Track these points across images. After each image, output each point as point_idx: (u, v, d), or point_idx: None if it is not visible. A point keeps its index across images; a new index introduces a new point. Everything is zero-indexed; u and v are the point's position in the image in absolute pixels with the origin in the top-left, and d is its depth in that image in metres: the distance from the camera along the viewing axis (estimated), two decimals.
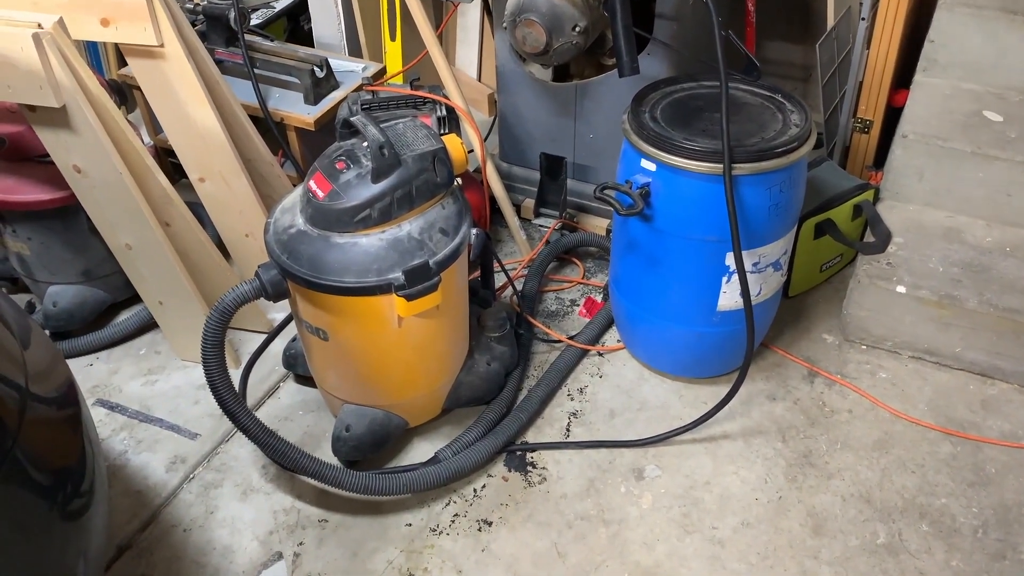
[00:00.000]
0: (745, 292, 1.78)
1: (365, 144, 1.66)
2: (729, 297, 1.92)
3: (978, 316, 2.05)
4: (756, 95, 1.95)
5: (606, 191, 1.85)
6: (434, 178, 1.69)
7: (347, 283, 1.64)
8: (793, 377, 2.16)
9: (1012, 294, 2.06)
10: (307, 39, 2.97)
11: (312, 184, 1.69)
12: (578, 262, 2.53)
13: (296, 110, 2.45)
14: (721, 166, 1.71)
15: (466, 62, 3.25)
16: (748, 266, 1.86)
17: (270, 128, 2.42)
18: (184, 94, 2.05)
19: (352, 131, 1.72)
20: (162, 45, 1.97)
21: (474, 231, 1.78)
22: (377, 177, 1.63)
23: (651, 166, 1.81)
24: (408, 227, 1.69)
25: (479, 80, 3.24)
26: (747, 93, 1.96)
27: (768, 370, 2.18)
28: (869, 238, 2.26)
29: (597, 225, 2.57)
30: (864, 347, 2.23)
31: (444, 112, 2.23)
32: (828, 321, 2.31)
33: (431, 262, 1.67)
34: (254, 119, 2.34)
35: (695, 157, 1.74)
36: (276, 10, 2.94)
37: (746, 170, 1.74)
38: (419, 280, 1.65)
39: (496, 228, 2.62)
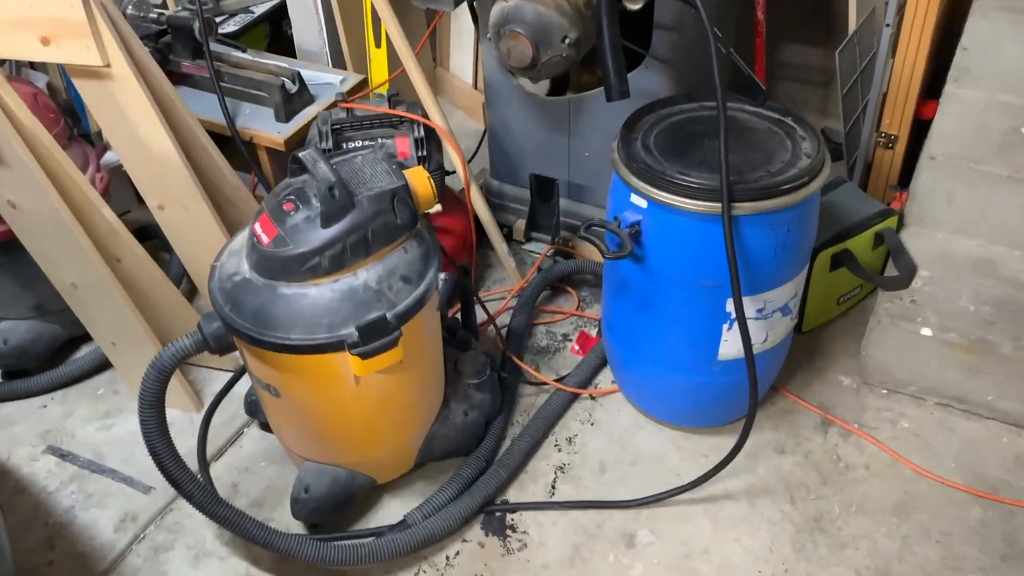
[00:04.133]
0: (747, 346, 1.57)
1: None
2: (731, 345, 1.72)
3: (1014, 364, 1.83)
4: (763, 118, 1.74)
5: (592, 229, 1.66)
6: (394, 220, 1.51)
7: (294, 341, 1.46)
8: (805, 426, 1.96)
9: None
10: (290, 45, 2.79)
11: (257, 227, 1.51)
12: (572, 291, 2.33)
13: (266, 128, 2.27)
14: (719, 205, 1.50)
15: (461, 67, 3.06)
16: (752, 312, 1.66)
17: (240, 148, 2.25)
18: (135, 116, 1.88)
19: (302, 167, 1.54)
20: (108, 65, 1.79)
21: (442, 276, 1.59)
22: (327, 221, 1.45)
23: (642, 202, 1.61)
24: (365, 275, 1.50)
25: (475, 87, 3.04)
26: (753, 116, 1.75)
27: (777, 417, 1.98)
28: (891, 270, 2.04)
29: (593, 250, 2.36)
30: (884, 391, 2.02)
31: (422, 133, 2.04)
32: (845, 360, 2.10)
33: (389, 315, 1.48)
34: (225, 138, 2.17)
35: (690, 195, 1.54)
36: (255, 15, 2.76)
37: (748, 209, 1.53)
38: (375, 336, 1.47)
39: (485, 252, 2.43)
